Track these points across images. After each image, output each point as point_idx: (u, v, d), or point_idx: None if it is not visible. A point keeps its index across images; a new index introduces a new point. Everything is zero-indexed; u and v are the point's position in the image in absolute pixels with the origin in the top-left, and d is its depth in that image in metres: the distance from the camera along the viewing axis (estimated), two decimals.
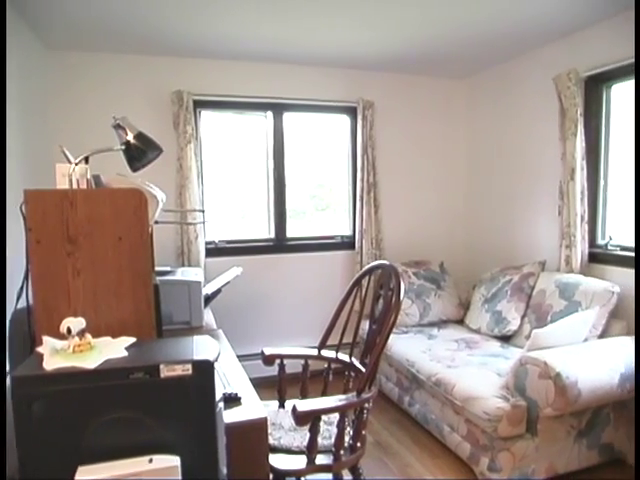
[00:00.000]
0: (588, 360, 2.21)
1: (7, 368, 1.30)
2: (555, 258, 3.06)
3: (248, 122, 3.68)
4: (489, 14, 2.66)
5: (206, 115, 3.53)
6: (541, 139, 3.28)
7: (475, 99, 3.97)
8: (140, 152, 1.48)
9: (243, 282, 3.37)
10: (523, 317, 2.98)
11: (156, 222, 1.78)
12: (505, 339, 3.04)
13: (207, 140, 3.55)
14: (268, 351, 2.12)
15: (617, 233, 2.89)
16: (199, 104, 3.41)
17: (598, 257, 2.91)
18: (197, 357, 0.96)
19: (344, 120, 3.83)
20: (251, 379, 1.63)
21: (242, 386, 1.52)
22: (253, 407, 1.38)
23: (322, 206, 4.07)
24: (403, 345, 3.04)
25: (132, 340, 1.10)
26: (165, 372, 0.92)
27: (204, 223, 3.40)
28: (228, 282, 2.61)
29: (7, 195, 2.06)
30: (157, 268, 2.46)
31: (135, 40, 3.00)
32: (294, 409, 1.54)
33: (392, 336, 3.10)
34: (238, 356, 1.89)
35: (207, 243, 3.47)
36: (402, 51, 3.30)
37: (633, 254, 2.72)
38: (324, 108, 3.73)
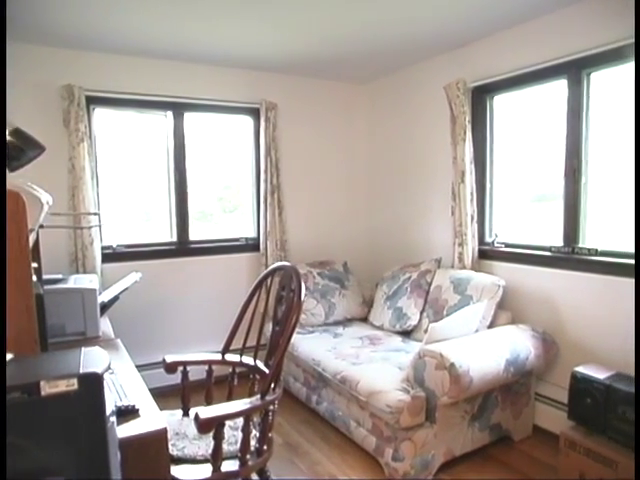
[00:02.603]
0: (478, 349, 2.38)
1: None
2: (449, 255, 3.27)
3: (147, 121, 3.53)
4: (387, 23, 2.78)
5: (101, 113, 3.32)
6: (435, 143, 3.49)
7: (376, 104, 4.13)
8: (18, 150, 1.36)
9: (144, 288, 3.23)
10: (422, 312, 3.14)
11: (41, 226, 1.65)
12: (406, 334, 3.18)
13: (103, 139, 3.34)
14: (170, 358, 2.04)
15: (502, 232, 3.16)
16: (92, 100, 3.20)
17: (486, 254, 3.15)
18: (84, 370, 0.90)
19: (247, 121, 3.80)
20: (154, 389, 1.57)
21: (140, 397, 1.45)
22: (152, 418, 1.33)
23: (230, 208, 4.01)
24: (309, 345, 3.08)
25: (9, 357, 1.00)
26: (47, 389, 0.85)
27: (100, 227, 3.20)
28: (126, 288, 2.48)
29: None
30: (46, 276, 2.28)
31: (18, 26, 2.73)
32: (196, 416, 1.50)
33: (298, 336, 3.18)
34: (140, 366, 1.80)
35: (104, 248, 3.27)
36: (305, 54, 3.34)
37: (516, 250, 2.98)
38: (226, 109, 3.67)
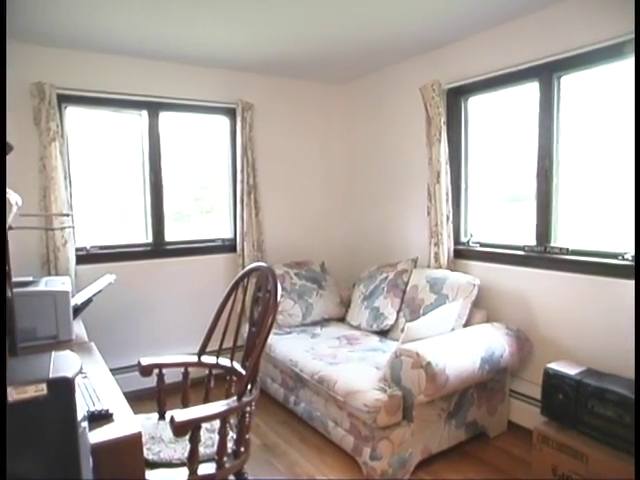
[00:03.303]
0: (454, 348, 2.41)
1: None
2: (426, 255, 3.30)
3: (122, 121, 3.47)
4: (364, 25, 2.79)
5: (73, 111, 3.25)
6: (411, 144, 3.52)
7: (353, 104, 4.15)
8: None
9: (118, 290, 3.18)
10: (399, 312, 3.17)
11: (10, 228, 1.61)
12: (383, 333, 3.20)
13: (76, 139, 3.28)
14: (145, 361, 2.01)
15: (477, 231, 3.21)
16: (64, 99, 3.13)
17: (462, 253, 3.19)
18: (53, 375, 0.88)
19: (223, 121, 3.77)
20: (130, 392, 1.54)
21: (115, 401, 1.43)
22: (126, 422, 1.31)
23: (207, 208, 3.97)
24: (286, 345, 3.07)
25: None
26: (14, 395, 0.83)
27: (73, 228, 3.13)
28: (100, 291, 2.44)
29: None
30: (15, 279, 2.22)
31: None
32: (172, 419, 1.48)
33: (276, 337, 3.17)
34: (115, 369, 1.78)
35: (77, 249, 3.20)
36: (282, 54, 3.33)
37: (490, 249, 3.03)
38: (202, 108, 3.64)
